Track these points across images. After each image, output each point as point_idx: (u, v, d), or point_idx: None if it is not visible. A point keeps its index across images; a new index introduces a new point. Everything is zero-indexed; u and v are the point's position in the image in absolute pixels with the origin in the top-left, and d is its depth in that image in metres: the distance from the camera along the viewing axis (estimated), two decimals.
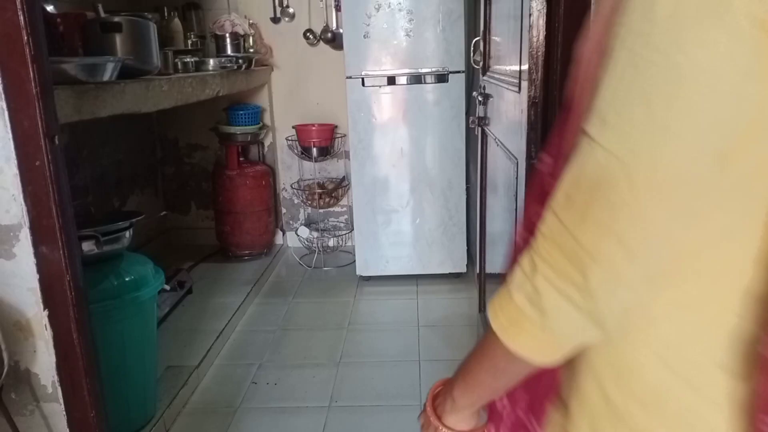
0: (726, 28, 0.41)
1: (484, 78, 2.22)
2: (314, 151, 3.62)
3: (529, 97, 1.34)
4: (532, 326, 0.53)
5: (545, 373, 0.61)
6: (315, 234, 3.80)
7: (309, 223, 3.94)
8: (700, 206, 0.46)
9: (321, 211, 3.89)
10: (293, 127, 3.68)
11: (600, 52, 0.49)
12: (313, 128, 3.63)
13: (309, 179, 3.85)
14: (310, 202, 3.81)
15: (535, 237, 0.52)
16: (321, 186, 3.77)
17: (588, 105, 0.49)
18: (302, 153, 3.68)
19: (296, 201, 4.00)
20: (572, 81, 0.60)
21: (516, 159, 1.55)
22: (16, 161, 1.29)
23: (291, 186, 3.90)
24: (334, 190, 3.78)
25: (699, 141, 0.43)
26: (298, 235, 3.85)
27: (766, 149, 0.44)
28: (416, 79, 3.08)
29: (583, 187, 0.49)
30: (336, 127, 3.68)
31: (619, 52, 0.46)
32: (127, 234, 1.92)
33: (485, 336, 0.60)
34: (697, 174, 0.44)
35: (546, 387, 0.66)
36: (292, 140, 3.71)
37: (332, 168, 3.94)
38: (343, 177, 3.87)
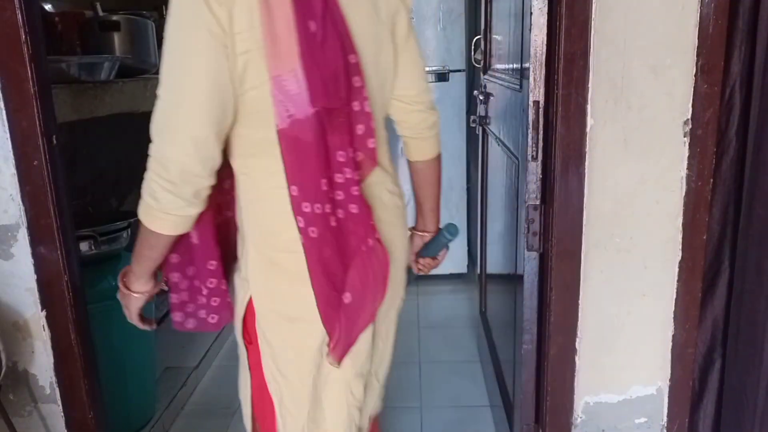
0: (201, 35, 0.83)
1: (485, 77, 2.21)
2: None
3: (530, 95, 1.33)
4: (157, 212, 0.90)
5: (202, 246, 1.02)
6: None
7: None
8: (218, 123, 0.87)
9: None
10: None
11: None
12: None
13: None
14: None
15: (151, 152, 0.87)
16: None
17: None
18: None
19: None
20: None
21: (517, 158, 1.54)
22: (14, 161, 1.28)
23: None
24: None
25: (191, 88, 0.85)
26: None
27: (228, 91, 0.87)
28: None
29: (158, 121, 0.86)
30: None
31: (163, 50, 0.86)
32: (126, 234, 1.91)
33: (141, 225, 0.93)
34: (203, 104, 0.85)
35: (204, 256, 1.04)
36: None
37: None
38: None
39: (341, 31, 0.90)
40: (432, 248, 1.25)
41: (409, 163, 1.23)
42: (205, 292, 1.08)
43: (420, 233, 1.26)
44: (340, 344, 1.00)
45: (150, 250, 0.98)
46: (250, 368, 1.13)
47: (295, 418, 1.06)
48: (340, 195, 0.94)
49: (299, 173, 0.91)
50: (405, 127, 1.17)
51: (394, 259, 1.06)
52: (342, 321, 0.98)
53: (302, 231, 0.93)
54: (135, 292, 1.06)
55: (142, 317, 1.12)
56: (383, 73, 1.02)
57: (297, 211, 0.92)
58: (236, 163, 0.98)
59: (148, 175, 0.88)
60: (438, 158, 1.23)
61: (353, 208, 0.95)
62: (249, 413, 1.18)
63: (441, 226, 1.26)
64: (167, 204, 0.88)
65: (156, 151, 0.87)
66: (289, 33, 0.85)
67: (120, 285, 1.07)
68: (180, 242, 1.00)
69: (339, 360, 1.01)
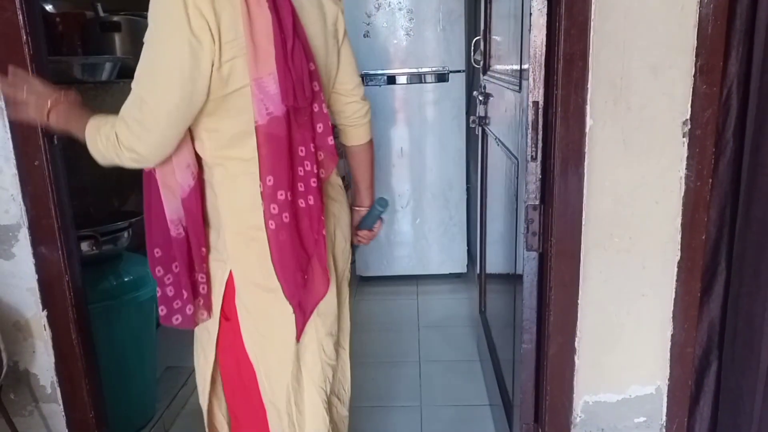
0: (183, 37, 0.95)
1: (485, 77, 2.22)
2: None
3: (529, 96, 1.34)
4: (97, 153, 1.09)
5: (189, 244, 1.13)
6: None
7: None
8: (181, 114, 1.01)
9: None
10: None
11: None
12: None
13: None
14: None
15: (119, 127, 1.02)
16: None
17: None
18: None
19: None
20: None
21: (516, 158, 1.55)
22: (15, 161, 1.29)
23: None
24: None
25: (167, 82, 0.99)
26: None
27: (204, 84, 1.00)
28: (416, 78, 3.07)
29: (132, 114, 1.01)
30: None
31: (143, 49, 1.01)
32: (127, 234, 1.92)
33: (87, 137, 1.09)
34: (173, 101, 0.99)
35: (198, 243, 1.14)
36: None
37: None
38: (343, 176, 3.79)
39: (304, 42, 1.06)
40: (368, 221, 1.41)
41: (346, 148, 1.38)
42: (187, 288, 1.16)
43: (357, 208, 1.42)
44: (299, 319, 1.15)
45: (75, 135, 1.13)
46: (218, 348, 1.22)
47: (279, 377, 1.18)
48: (301, 186, 1.08)
49: (275, 165, 1.05)
50: (343, 116, 1.32)
51: (341, 229, 1.28)
52: (303, 297, 1.13)
53: (275, 217, 1.06)
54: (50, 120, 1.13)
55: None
56: (328, 74, 1.21)
57: (272, 198, 1.05)
58: (209, 156, 1.10)
59: (107, 137, 1.03)
60: (371, 143, 1.38)
61: (311, 200, 1.10)
62: (206, 392, 1.29)
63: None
64: (110, 159, 1.07)
65: (125, 138, 1.01)
66: (268, 43, 0.99)
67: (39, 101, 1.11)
68: (165, 239, 1.15)
69: (300, 330, 1.16)
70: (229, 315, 1.18)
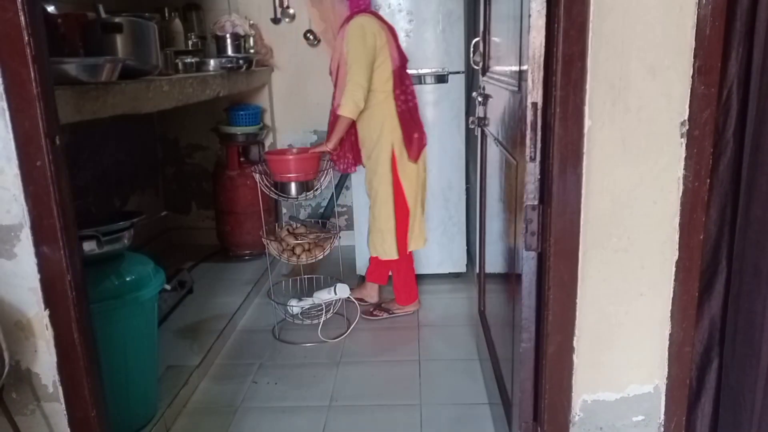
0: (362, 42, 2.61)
1: (484, 78, 2.22)
2: (293, 188, 2.78)
3: (528, 97, 1.34)
4: (353, 106, 2.61)
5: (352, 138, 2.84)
6: (309, 303, 2.87)
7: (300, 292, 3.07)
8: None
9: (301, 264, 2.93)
10: (263, 156, 2.86)
11: (339, 61, 2.68)
12: (291, 158, 2.81)
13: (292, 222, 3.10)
14: (286, 256, 2.86)
15: (347, 90, 2.60)
16: (296, 234, 2.91)
17: (341, 77, 2.68)
18: (277, 190, 2.78)
19: (296, 202, 4.00)
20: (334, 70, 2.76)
21: (516, 159, 1.55)
22: (17, 161, 1.29)
23: (260, 235, 2.94)
24: (316, 242, 2.89)
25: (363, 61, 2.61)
26: (287, 310, 2.87)
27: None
28: (416, 79, 3.08)
29: (356, 75, 2.61)
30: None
31: (348, 56, 2.62)
32: (128, 234, 1.92)
33: (341, 118, 2.64)
34: (365, 65, 2.61)
35: (352, 144, 2.86)
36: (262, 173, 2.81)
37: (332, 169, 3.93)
38: (326, 220, 3.32)
39: (397, 45, 2.75)
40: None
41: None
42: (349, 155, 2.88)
43: None
44: (413, 154, 2.73)
45: (343, 129, 2.66)
46: (394, 192, 2.78)
47: (415, 201, 2.82)
48: (409, 94, 2.76)
49: (397, 85, 2.69)
50: None
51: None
52: (415, 144, 2.72)
53: (400, 107, 2.70)
54: (328, 150, 2.74)
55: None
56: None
57: (398, 99, 2.69)
58: (374, 88, 2.67)
59: (352, 93, 2.57)
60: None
61: (411, 102, 2.76)
62: (392, 218, 2.82)
63: None
64: (359, 101, 2.59)
65: (353, 88, 2.57)
66: (391, 45, 2.66)
67: (318, 149, 2.78)
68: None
69: (416, 159, 2.76)
70: (395, 175, 2.77)
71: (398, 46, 2.73)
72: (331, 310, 2.90)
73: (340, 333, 2.78)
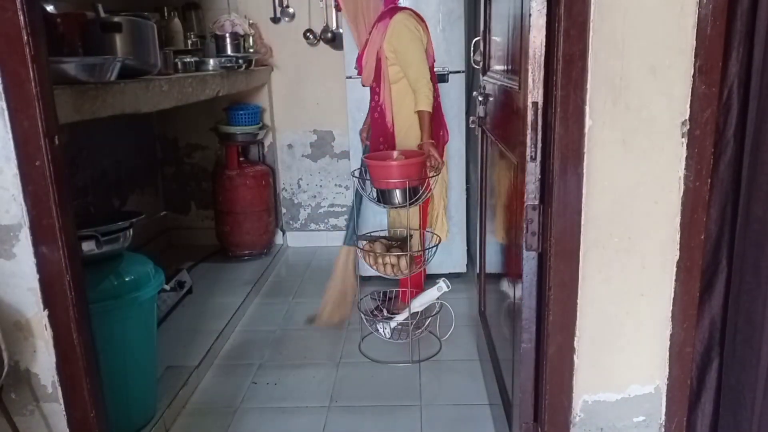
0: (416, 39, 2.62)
1: (484, 78, 2.22)
2: (397, 195, 2.47)
3: (529, 96, 1.34)
4: (430, 101, 2.59)
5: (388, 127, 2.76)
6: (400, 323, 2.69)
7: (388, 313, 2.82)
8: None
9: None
10: (363, 159, 2.62)
11: (377, 56, 2.66)
12: (395, 164, 2.47)
13: (375, 231, 2.87)
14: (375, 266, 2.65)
15: (421, 87, 2.59)
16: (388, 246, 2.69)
17: (381, 70, 2.68)
18: (377, 197, 2.55)
19: (296, 201, 4.00)
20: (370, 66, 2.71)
21: (516, 159, 1.55)
22: (16, 161, 1.29)
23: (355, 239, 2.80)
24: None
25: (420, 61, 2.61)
26: (381, 328, 2.69)
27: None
28: None
29: (419, 74, 2.61)
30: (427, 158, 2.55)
31: (401, 54, 2.62)
32: (127, 234, 1.92)
33: (426, 114, 2.59)
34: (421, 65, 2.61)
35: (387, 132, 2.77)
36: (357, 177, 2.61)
37: (332, 169, 3.94)
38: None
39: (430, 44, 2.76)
40: None
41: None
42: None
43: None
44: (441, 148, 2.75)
45: (430, 121, 2.58)
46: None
47: (439, 196, 2.87)
48: (437, 93, 2.70)
49: (434, 77, 2.67)
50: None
51: None
52: (441, 142, 2.79)
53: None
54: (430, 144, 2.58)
55: None
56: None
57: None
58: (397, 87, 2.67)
59: (425, 92, 2.56)
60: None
61: (436, 101, 2.69)
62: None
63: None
64: (430, 95, 2.56)
65: (427, 84, 2.57)
66: (429, 42, 2.69)
67: (424, 148, 2.57)
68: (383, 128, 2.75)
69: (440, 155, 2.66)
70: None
71: (431, 42, 2.78)
72: (427, 324, 2.70)
73: (431, 353, 2.61)
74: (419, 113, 2.58)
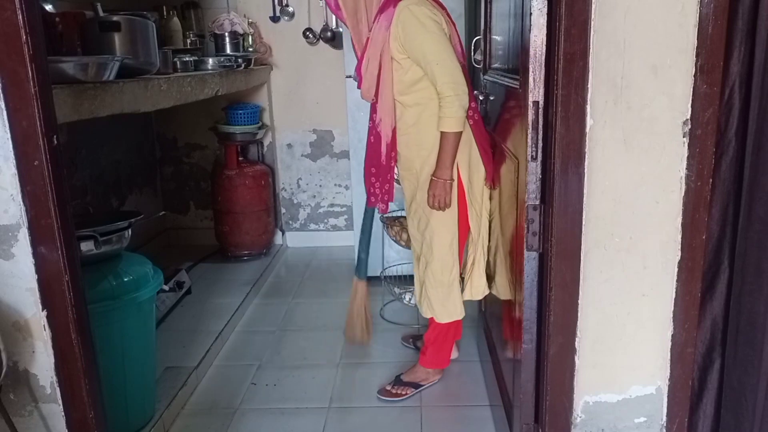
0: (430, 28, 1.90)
1: (485, 77, 2.22)
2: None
3: (530, 96, 1.34)
4: (460, 117, 1.90)
5: (389, 153, 2.07)
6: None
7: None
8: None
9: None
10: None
11: (379, 60, 1.98)
12: None
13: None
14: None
15: (446, 96, 1.88)
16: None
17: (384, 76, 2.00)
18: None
19: (295, 201, 4.00)
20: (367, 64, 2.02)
21: (516, 159, 1.55)
22: (14, 161, 1.28)
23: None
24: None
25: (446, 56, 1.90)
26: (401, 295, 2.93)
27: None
28: None
29: (448, 75, 1.88)
30: None
31: (413, 51, 1.92)
32: (126, 234, 1.91)
33: (449, 136, 1.90)
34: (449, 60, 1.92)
35: (388, 167, 2.09)
36: None
37: (332, 169, 3.93)
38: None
39: (459, 39, 2.10)
40: None
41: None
42: (386, 186, 2.10)
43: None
44: (491, 176, 2.03)
45: (454, 147, 1.91)
46: (460, 229, 2.09)
47: (477, 236, 2.10)
48: (473, 105, 2.00)
49: (466, 75, 1.97)
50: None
51: None
52: (491, 166, 2.03)
53: (472, 112, 1.99)
54: (448, 179, 1.95)
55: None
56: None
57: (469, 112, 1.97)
58: (412, 98, 2.00)
59: (453, 101, 1.86)
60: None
61: (477, 114, 2.04)
62: (456, 265, 2.12)
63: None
64: (466, 103, 1.90)
65: (455, 88, 1.87)
66: (453, 36, 2.00)
67: (437, 181, 1.96)
68: (378, 162, 2.10)
69: (494, 186, 2.01)
70: (462, 203, 2.07)
71: (458, 36, 2.07)
72: None
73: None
74: (441, 135, 1.92)
